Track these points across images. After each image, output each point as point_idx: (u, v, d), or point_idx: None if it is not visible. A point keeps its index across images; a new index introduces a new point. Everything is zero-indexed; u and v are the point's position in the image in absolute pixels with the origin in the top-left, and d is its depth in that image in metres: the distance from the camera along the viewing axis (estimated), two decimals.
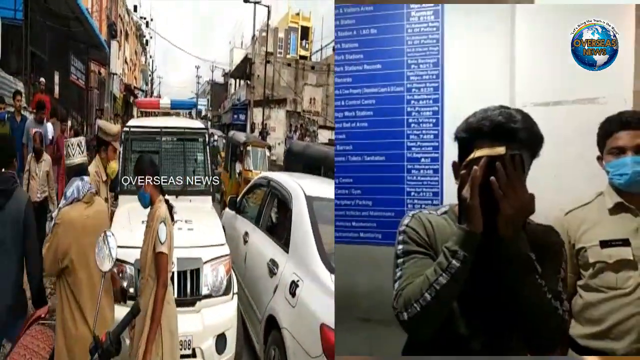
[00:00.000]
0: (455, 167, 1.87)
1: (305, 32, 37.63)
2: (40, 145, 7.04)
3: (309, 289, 3.63)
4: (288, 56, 33.45)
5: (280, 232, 4.86)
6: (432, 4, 3.60)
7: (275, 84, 29.79)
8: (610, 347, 2.45)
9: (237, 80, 40.38)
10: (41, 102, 8.86)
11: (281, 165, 23.75)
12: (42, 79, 12.48)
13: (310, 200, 4.40)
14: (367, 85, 3.75)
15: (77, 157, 3.66)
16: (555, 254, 1.85)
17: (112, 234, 2.92)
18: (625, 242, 2.44)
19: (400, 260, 1.88)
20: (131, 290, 4.18)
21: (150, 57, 60.41)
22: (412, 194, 3.69)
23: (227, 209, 6.86)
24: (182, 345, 3.92)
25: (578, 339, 2.57)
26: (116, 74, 26.25)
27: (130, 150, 6.19)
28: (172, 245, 3.40)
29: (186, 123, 7.11)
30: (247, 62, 32.55)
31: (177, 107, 8.48)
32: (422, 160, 3.67)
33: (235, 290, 4.54)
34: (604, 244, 2.47)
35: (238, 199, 6.62)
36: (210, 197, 6.05)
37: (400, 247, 1.90)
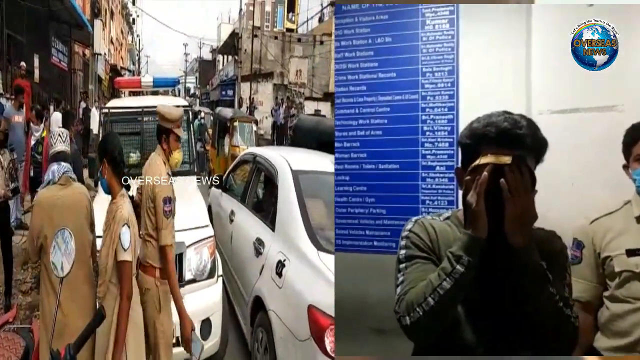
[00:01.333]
0: (459, 173, 1.86)
1: (291, 5, 36.99)
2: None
3: (296, 268, 3.52)
4: (275, 29, 32.91)
5: (266, 209, 4.80)
6: (447, 12, 3.60)
7: (262, 58, 29.48)
8: (629, 357, 2.39)
9: (225, 57, 40.06)
10: (19, 87, 8.55)
11: (269, 140, 23.62)
12: (23, 63, 12.13)
13: (296, 174, 4.28)
14: (381, 93, 3.75)
15: (59, 145, 3.80)
16: (560, 259, 1.85)
17: (71, 234, 2.76)
18: None
19: (402, 265, 1.88)
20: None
21: (137, 36, 59.52)
22: (427, 202, 3.67)
23: (213, 188, 6.74)
24: None
25: (604, 352, 2.47)
26: (101, 55, 25.69)
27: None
28: (136, 250, 3.17)
29: (168, 101, 6.85)
30: (234, 37, 32.19)
31: (160, 84, 8.23)
32: (437, 168, 3.65)
33: (220, 272, 4.42)
34: (631, 252, 2.39)
35: (224, 177, 6.51)
36: (194, 177, 5.86)
37: (402, 252, 1.90)
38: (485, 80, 3.48)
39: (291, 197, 4.06)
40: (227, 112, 14.48)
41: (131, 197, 3.37)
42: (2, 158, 5.45)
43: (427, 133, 3.66)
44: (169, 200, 3.35)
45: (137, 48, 58.80)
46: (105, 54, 28.07)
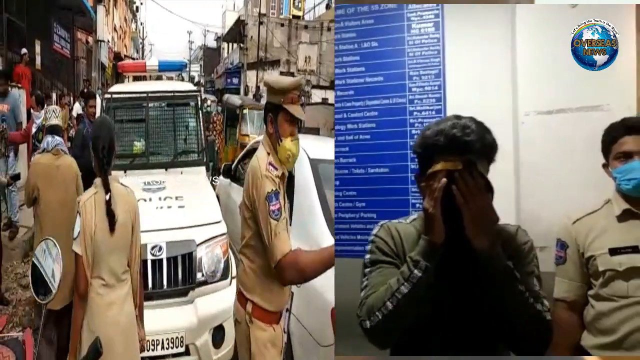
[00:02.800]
0: (418, 180, 1.89)
1: None
2: None
3: None
4: (281, 16, 32.46)
5: None
6: (432, 16, 3.62)
7: (268, 45, 29.09)
8: (624, 357, 2.40)
9: (230, 44, 39.69)
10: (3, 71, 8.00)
11: None
12: (24, 50, 11.76)
13: (315, 163, 3.85)
14: (369, 98, 3.76)
15: (53, 120, 4.35)
16: (527, 253, 1.87)
17: (57, 246, 2.46)
18: (635, 249, 2.38)
19: (367, 270, 1.91)
20: None
21: (141, 24, 59.04)
22: (417, 205, 3.62)
23: (221, 177, 6.44)
24: (173, 342, 3.52)
25: (591, 350, 2.50)
26: (104, 42, 25.27)
27: (113, 120, 5.56)
28: (94, 244, 2.66)
29: (175, 86, 6.42)
30: (240, 24, 31.78)
31: (166, 68, 7.84)
32: None
33: (234, 273, 4.00)
34: (614, 251, 2.42)
35: (233, 166, 6.20)
36: (203, 168, 5.44)
37: (367, 256, 1.94)
38: (471, 83, 3.49)
39: (310, 188, 3.65)
40: (235, 99, 14.08)
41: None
42: None
43: (416, 136, 3.47)
44: (276, 195, 2.40)
45: (141, 36, 58.28)
46: (108, 41, 27.65)
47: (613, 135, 2.52)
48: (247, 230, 2.54)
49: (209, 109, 17.36)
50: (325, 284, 2.91)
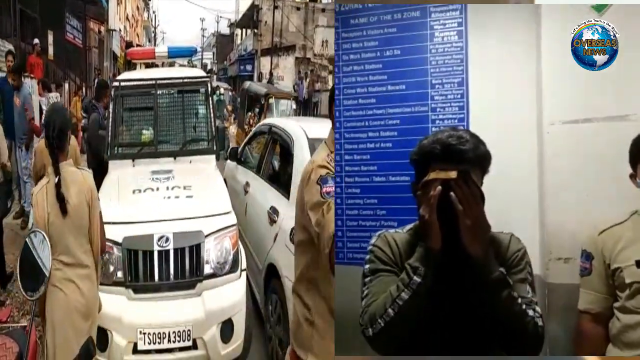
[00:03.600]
0: (413, 187, 1.92)
1: None
2: None
3: None
4: (296, 0, 32.07)
5: (281, 179, 4.70)
6: (456, 24, 3.58)
7: (283, 30, 28.78)
8: (625, 357, 2.39)
9: (244, 30, 39.46)
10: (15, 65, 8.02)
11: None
12: (36, 40, 11.74)
13: (312, 142, 4.13)
14: (391, 106, 3.72)
15: None
16: (520, 261, 1.93)
17: (45, 237, 2.33)
18: None
19: (367, 279, 1.96)
20: (119, 274, 3.56)
21: (154, 12, 59.07)
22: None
23: (228, 161, 6.48)
24: (180, 336, 3.43)
25: None
26: (116, 31, 25.25)
27: (121, 108, 5.47)
28: (50, 228, 2.77)
29: (184, 72, 6.27)
30: (254, 9, 31.45)
31: (176, 54, 7.71)
32: None
33: (244, 266, 3.91)
34: None
35: (239, 149, 6.31)
36: (213, 157, 5.30)
37: (367, 266, 1.99)
38: (495, 91, 3.44)
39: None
40: (259, 87, 13.59)
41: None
42: None
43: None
44: (330, 180, 2.13)
45: (153, 25, 58.33)
46: (120, 30, 27.63)
47: None
48: (302, 256, 2.26)
49: (221, 97, 17.17)
50: None
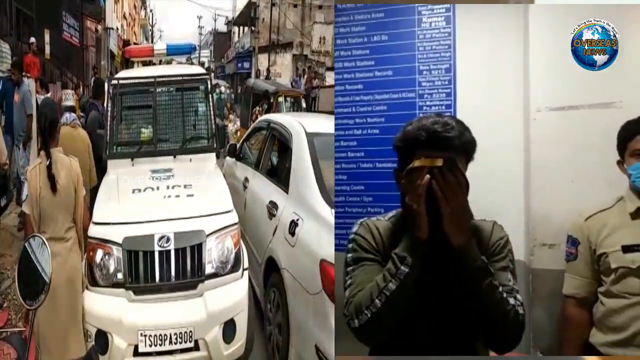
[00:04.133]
0: (397, 175, 1.91)
1: None
2: None
3: (309, 226, 3.51)
4: None
5: (280, 173, 4.70)
6: (444, 10, 3.59)
7: (280, 27, 28.67)
8: (635, 354, 2.40)
9: (241, 28, 39.35)
10: (17, 62, 8.03)
11: None
12: (33, 39, 11.65)
13: (310, 136, 4.22)
14: (378, 92, 3.73)
15: (68, 101, 6.29)
16: (502, 249, 1.90)
17: (44, 241, 2.38)
18: None
19: (350, 268, 1.93)
20: (119, 276, 3.49)
21: (150, 10, 58.84)
22: None
23: (227, 158, 6.51)
24: (182, 337, 3.37)
25: (600, 347, 2.53)
26: (113, 29, 25.16)
27: (120, 107, 5.39)
28: (40, 203, 3.27)
29: (184, 70, 6.21)
30: (251, 6, 31.27)
31: (174, 52, 7.65)
32: None
33: (246, 265, 3.85)
34: (627, 249, 2.43)
35: (238, 146, 6.36)
36: (213, 155, 5.24)
37: (349, 255, 1.96)
38: (482, 78, 3.47)
39: (305, 159, 4.00)
40: (266, 85, 13.10)
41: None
42: None
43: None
44: None
45: (150, 23, 58.12)
46: (117, 28, 27.52)
47: (631, 131, 2.53)
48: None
49: (221, 95, 17.00)
50: (314, 240, 3.34)
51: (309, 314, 3.27)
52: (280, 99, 11.47)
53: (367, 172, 3.71)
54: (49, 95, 9.71)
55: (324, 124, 4.48)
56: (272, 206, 4.16)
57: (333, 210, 3.48)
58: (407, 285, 1.71)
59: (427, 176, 1.67)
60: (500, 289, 1.74)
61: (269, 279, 4.01)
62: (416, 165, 1.72)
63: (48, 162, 3.26)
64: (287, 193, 4.05)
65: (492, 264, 1.80)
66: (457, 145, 1.79)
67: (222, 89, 18.71)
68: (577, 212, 2.70)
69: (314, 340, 3.17)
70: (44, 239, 2.52)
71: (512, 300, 1.76)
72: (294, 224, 3.65)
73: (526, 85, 3.31)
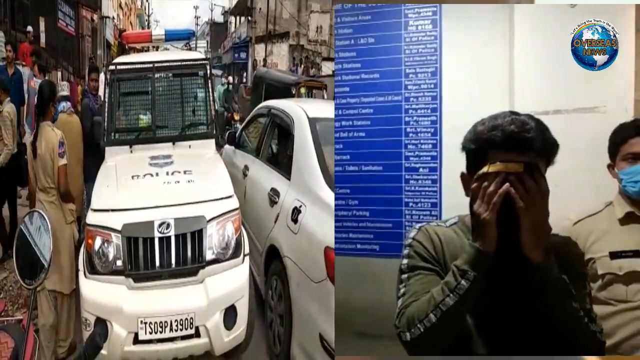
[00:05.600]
0: (465, 179, 1.76)
1: None
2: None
3: (312, 213, 3.46)
4: None
5: (281, 160, 4.67)
6: (430, 13, 3.61)
7: (277, 17, 28.53)
8: (625, 357, 2.38)
9: (238, 18, 39.17)
10: (37, 50, 8.56)
11: None
12: (30, 28, 11.51)
13: (313, 121, 4.15)
14: (364, 95, 3.75)
15: (63, 92, 6.58)
16: (579, 268, 1.76)
17: (45, 217, 2.23)
18: (636, 254, 2.37)
19: (404, 276, 1.78)
20: (119, 263, 3.42)
21: (147, 0, 58.44)
22: (410, 204, 3.69)
23: (226, 146, 6.42)
24: (182, 324, 3.31)
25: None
26: (109, 18, 24.94)
27: (117, 93, 5.30)
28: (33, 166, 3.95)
29: (182, 55, 6.11)
30: None
31: (174, 37, 7.54)
32: (421, 170, 3.67)
33: (247, 251, 3.79)
34: (614, 255, 2.41)
35: (237, 133, 6.29)
36: (213, 141, 5.16)
37: (405, 261, 1.81)
38: (468, 82, 3.49)
39: (308, 144, 3.93)
40: (283, 75, 11.94)
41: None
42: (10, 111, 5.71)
43: (411, 135, 3.69)
44: None
45: (147, 13, 57.73)
46: (113, 18, 27.30)
47: (624, 135, 2.49)
48: None
49: (229, 86, 16.62)
50: (318, 227, 3.30)
51: (312, 303, 3.22)
52: (303, 90, 10.61)
53: (353, 175, 3.73)
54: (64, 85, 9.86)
55: (325, 109, 4.43)
56: (274, 193, 4.11)
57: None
58: (466, 301, 1.57)
59: (506, 185, 1.51)
60: (582, 312, 1.59)
61: (270, 268, 3.97)
62: (492, 170, 1.56)
63: (32, 136, 3.98)
64: (289, 179, 4.00)
65: (572, 284, 1.62)
66: (538, 147, 1.61)
67: (230, 79, 18.33)
68: (564, 217, 2.64)
69: (318, 330, 3.11)
70: (42, 213, 2.47)
71: (593, 327, 1.62)
72: (296, 211, 3.60)
73: (511, 89, 3.34)
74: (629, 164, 2.45)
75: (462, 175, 1.78)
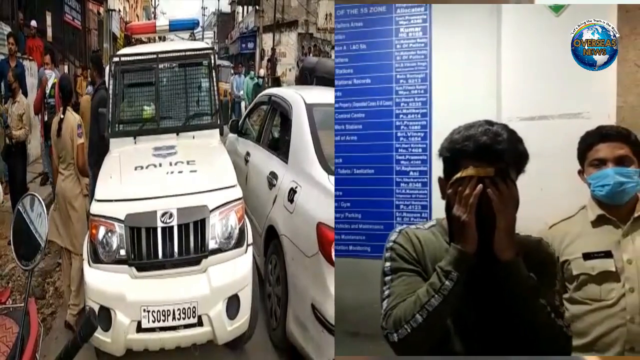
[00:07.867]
0: (442, 183, 1.83)
1: None
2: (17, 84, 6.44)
3: (307, 192, 3.65)
4: None
5: (281, 145, 4.75)
6: (420, 20, 3.70)
7: (285, 6, 28.33)
8: (624, 357, 2.43)
9: (245, 7, 38.95)
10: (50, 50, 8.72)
11: None
12: (34, 22, 11.55)
13: (310, 107, 4.30)
14: (356, 100, 3.84)
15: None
16: (550, 267, 1.84)
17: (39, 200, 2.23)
18: (608, 254, 2.47)
19: (388, 278, 1.83)
20: (122, 252, 3.45)
21: None
22: (401, 207, 3.80)
23: (230, 135, 6.52)
24: (185, 313, 3.33)
25: None
26: (115, 11, 24.95)
27: (122, 85, 5.30)
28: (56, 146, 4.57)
29: (187, 45, 6.12)
30: None
31: (178, 27, 7.53)
32: (411, 173, 3.78)
33: (250, 240, 3.79)
34: (587, 256, 2.49)
35: (240, 122, 6.47)
36: (217, 131, 5.16)
37: (387, 264, 1.86)
38: (457, 87, 3.57)
39: (304, 128, 4.09)
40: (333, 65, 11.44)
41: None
42: (12, 109, 6.34)
43: (401, 139, 3.80)
44: None
45: (153, 4, 57.67)
46: (119, 11, 27.29)
47: (589, 142, 2.58)
48: None
49: (259, 80, 16.39)
50: (311, 205, 3.51)
51: (305, 276, 3.41)
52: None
53: (345, 179, 3.81)
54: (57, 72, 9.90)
55: (324, 95, 4.53)
56: (272, 177, 4.26)
57: (332, 178, 3.56)
58: (450, 301, 1.64)
59: (480, 186, 1.60)
60: (549, 309, 1.67)
61: (269, 248, 4.15)
62: (466, 175, 1.65)
63: (58, 119, 4.49)
64: (287, 163, 4.15)
65: (542, 282, 1.71)
66: (508, 158, 1.69)
67: (262, 72, 17.97)
68: (542, 221, 2.73)
69: (310, 300, 3.31)
70: (39, 198, 2.47)
71: (559, 322, 1.69)
72: (292, 192, 3.78)
73: (498, 95, 3.42)
74: (595, 169, 2.55)
75: (440, 180, 1.85)
